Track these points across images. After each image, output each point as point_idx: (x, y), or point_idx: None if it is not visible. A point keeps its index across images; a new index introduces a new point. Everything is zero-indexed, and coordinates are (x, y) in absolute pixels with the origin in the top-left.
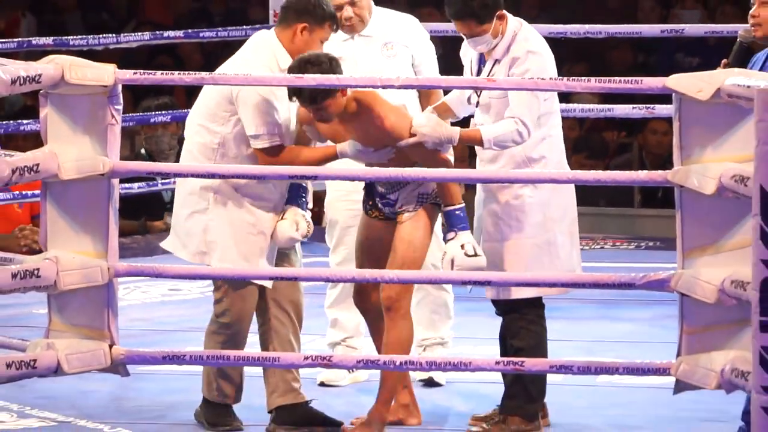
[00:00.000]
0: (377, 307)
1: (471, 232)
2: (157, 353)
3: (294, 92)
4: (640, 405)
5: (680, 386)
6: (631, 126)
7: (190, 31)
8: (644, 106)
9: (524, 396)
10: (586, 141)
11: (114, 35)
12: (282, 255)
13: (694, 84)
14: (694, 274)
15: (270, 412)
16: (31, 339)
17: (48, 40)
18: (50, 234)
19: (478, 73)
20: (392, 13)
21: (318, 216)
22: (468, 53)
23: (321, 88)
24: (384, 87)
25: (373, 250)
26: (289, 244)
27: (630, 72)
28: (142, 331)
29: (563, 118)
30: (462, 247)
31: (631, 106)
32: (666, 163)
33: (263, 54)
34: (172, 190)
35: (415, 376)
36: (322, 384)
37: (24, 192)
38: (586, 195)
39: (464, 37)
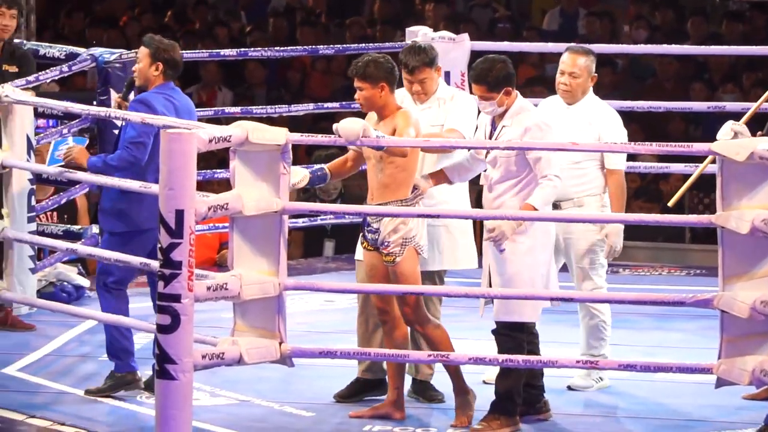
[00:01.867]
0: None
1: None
2: (315, 350)
3: None
4: (689, 396)
5: (720, 382)
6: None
7: (344, 102)
8: (694, 164)
9: (510, 399)
10: (645, 190)
11: (287, 106)
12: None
13: (733, 148)
14: (732, 296)
15: None
16: (220, 337)
17: (237, 109)
18: (236, 257)
19: (491, 133)
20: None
21: None
22: (483, 119)
23: None
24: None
25: (373, 278)
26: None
27: (682, 139)
28: (304, 332)
29: (628, 173)
30: None
31: (683, 164)
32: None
33: None
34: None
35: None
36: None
37: (216, 224)
38: (647, 232)
39: (477, 97)
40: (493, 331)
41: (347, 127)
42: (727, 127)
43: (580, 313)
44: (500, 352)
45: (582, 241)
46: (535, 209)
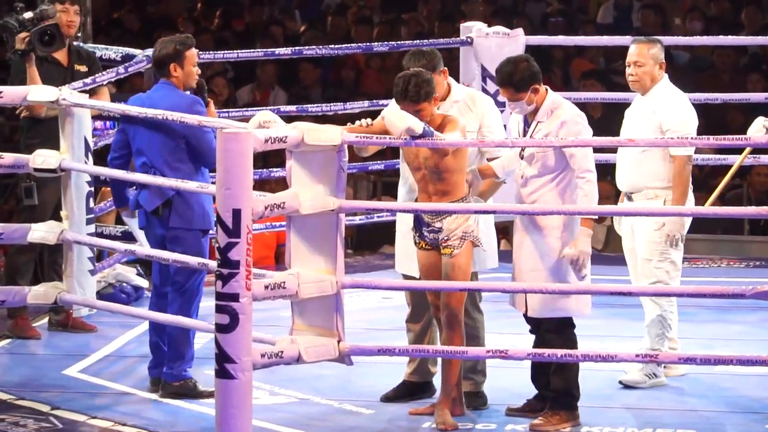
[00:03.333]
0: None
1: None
2: (374, 347)
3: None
4: (749, 388)
5: None
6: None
7: None
8: (752, 156)
9: (569, 394)
10: (704, 182)
11: (342, 103)
12: None
13: None
14: None
15: None
16: (279, 336)
17: (292, 108)
18: (293, 255)
19: (525, 130)
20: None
21: None
22: (515, 117)
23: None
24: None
25: (432, 276)
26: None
27: (740, 130)
28: (362, 330)
29: None
30: None
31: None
32: (766, 197)
33: None
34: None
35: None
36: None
37: (273, 223)
38: (706, 225)
39: (506, 100)
40: (537, 329)
41: (392, 122)
42: (759, 123)
43: (644, 307)
44: (552, 348)
45: (644, 232)
46: (593, 221)
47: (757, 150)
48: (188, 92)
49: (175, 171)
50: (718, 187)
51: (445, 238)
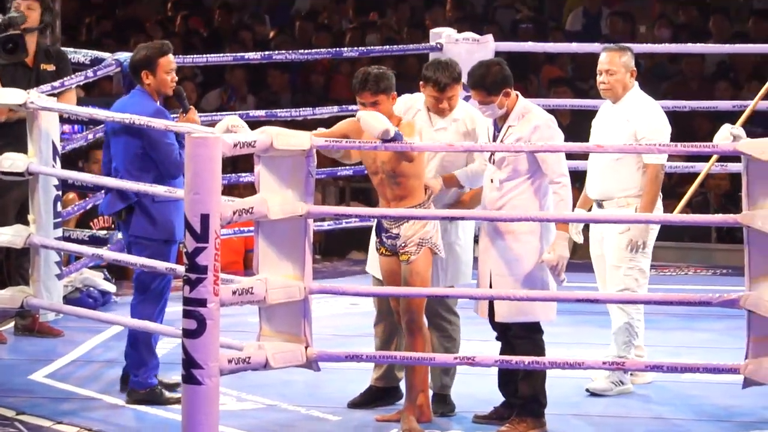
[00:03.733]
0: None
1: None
2: (341, 353)
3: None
4: (716, 396)
5: (747, 382)
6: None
7: None
8: (720, 164)
9: (536, 401)
10: (672, 190)
11: (311, 108)
12: None
13: (759, 148)
14: (759, 295)
15: None
16: (246, 341)
17: (261, 113)
18: (261, 261)
19: (495, 135)
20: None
21: None
22: (484, 122)
23: None
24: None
25: (393, 282)
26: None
27: (708, 138)
28: (330, 336)
29: None
30: None
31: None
32: (726, 201)
33: None
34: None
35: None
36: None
37: (241, 228)
38: (674, 232)
39: (477, 102)
40: (504, 334)
41: (369, 123)
42: (726, 131)
43: (611, 315)
44: (520, 354)
45: (613, 239)
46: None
47: (724, 157)
48: (160, 100)
49: (136, 179)
50: (686, 195)
51: (403, 244)
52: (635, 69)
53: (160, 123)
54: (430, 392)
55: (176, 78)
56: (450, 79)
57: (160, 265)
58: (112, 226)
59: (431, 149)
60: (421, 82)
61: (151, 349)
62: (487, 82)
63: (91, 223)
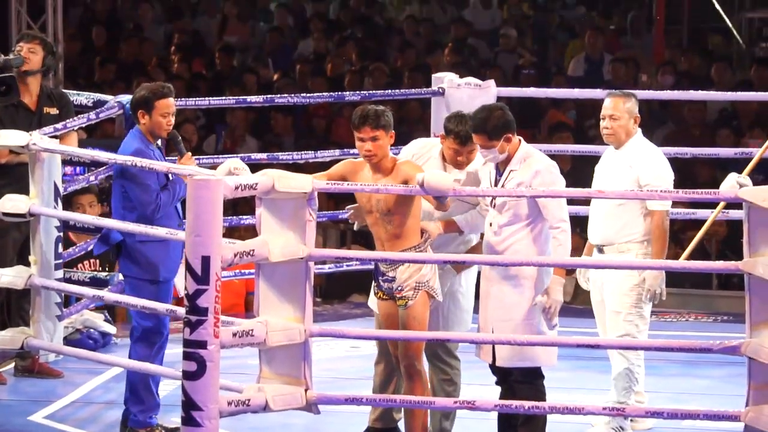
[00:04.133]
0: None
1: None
2: (341, 396)
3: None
4: None
5: (748, 430)
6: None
7: None
8: (723, 211)
9: None
10: (675, 236)
11: (313, 152)
12: None
13: (760, 195)
14: (760, 342)
15: None
16: (246, 383)
17: (263, 156)
18: (262, 303)
19: (497, 179)
20: None
21: None
22: (486, 166)
23: None
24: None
25: (390, 326)
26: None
27: (708, 184)
28: (330, 379)
29: None
30: None
31: (710, 210)
32: (724, 247)
33: None
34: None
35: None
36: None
37: (242, 270)
38: (674, 278)
39: (478, 147)
40: (505, 379)
41: (439, 181)
42: (732, 180)
43: (611, 360)
44: (521, 398)
45: (615, 285)
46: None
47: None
48: (162, 143)
49: (122, 218)
50: (693, 241)
51: (399, 288)
52: (638, 115)
53: (143, 162)
54: None
55: (173, 122)
56: (472, 131)
57: (161, 307)
58: (99, 269)
59: (475, 194)
60: (441, 134)
61: (150, 390)
62: (489, 127)
63: (79, 267)
